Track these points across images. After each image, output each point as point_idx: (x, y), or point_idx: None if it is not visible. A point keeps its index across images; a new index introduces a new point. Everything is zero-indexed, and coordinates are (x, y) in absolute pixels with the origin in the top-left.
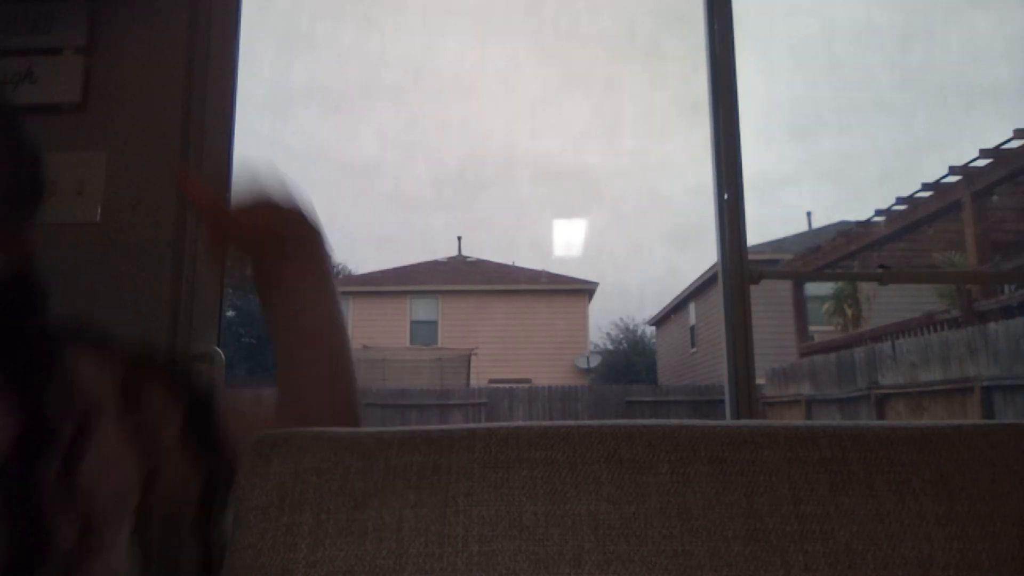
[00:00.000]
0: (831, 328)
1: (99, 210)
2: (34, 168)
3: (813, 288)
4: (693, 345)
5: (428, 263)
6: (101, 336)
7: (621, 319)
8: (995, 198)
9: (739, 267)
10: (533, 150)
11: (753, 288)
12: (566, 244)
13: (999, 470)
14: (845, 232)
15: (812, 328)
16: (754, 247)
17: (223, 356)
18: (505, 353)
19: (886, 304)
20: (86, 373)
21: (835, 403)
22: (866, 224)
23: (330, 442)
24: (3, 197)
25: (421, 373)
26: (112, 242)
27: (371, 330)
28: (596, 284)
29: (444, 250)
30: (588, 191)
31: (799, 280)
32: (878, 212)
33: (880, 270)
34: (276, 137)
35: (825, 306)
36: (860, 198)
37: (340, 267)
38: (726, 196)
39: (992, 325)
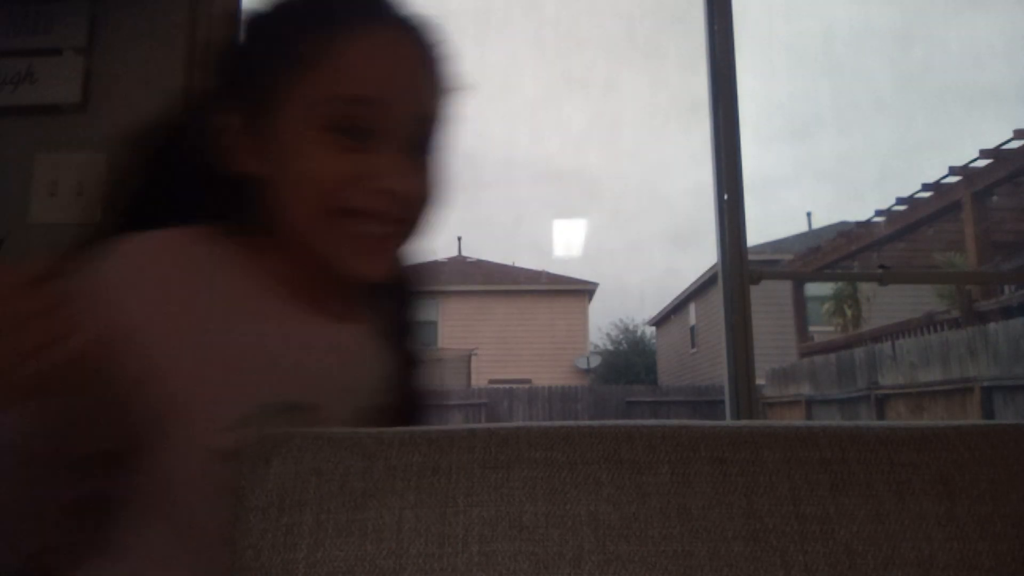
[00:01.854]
0: (831, 328)
1: (99, 210)
2: None
3: (813, 288)
4: (693, 345)
5: (428, 263)
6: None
7: (621, 319)
8: (995, 198)
9: (739, 267)
10: (533, 150)
11: (753, 288)
12: (566, 244)
13: (999, 470)
14: (845, 232)
15: (812, 328)
16: (754, 247)
17: None
18: (505, 353)
19: (886, 304)
20: None
21: (835, 403)
22: (866, 224)
23: (330, 442)
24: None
25: None
26: None
27: None
28: (596, 284)
29: (444, 250)
30: (588, 191)
31: (799, 280)
32: (878, 212)
33: (880, 270)
34: None
35: (825, 306)
36: (860, 198)
37: None
38: (726, 196)
39: (992, 325)
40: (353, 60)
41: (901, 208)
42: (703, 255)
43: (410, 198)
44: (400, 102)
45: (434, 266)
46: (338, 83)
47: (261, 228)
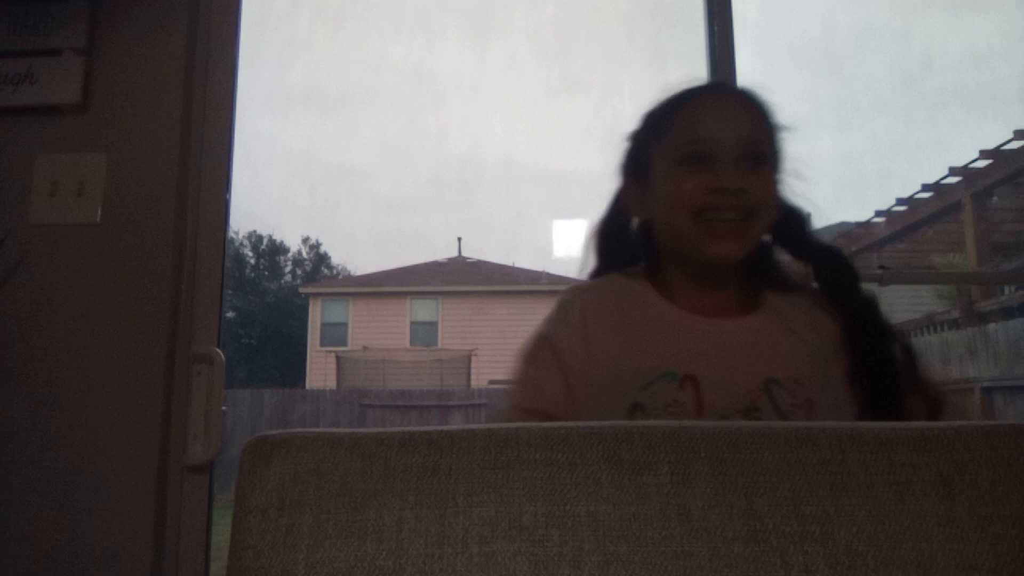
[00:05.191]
0: None
1: (99, 210)
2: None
3: None
4: None
5: (428, 264)
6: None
7: None
8: (995, 199)
9: None
10: (533, 151)
11: None
12: (566, 245)
13: (999, 471)
14: (845, 233)
15: None
16: None
17: (223, 357)
18: (505, 354)
19: (886, 305)
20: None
21: None
22: (866, 225)
23: (330, 443)
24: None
25: (421, 374)
26: (112, 242)
27: (371, 331)
28: None
29: (444, 251)
30: (588, 191)
31: None
32: (878, 213)
33: (880, 271)
34: (276, 138)
35: None
36: (860, 198)
37: (340, 267)
38: None
39: (992, 326)
40: (695, 116)
41: (901, 209)
42: None
43: (745, 194)
44: (727, 135)
45: (434, 267)
46: (686, 132)
47: (661, 262)
